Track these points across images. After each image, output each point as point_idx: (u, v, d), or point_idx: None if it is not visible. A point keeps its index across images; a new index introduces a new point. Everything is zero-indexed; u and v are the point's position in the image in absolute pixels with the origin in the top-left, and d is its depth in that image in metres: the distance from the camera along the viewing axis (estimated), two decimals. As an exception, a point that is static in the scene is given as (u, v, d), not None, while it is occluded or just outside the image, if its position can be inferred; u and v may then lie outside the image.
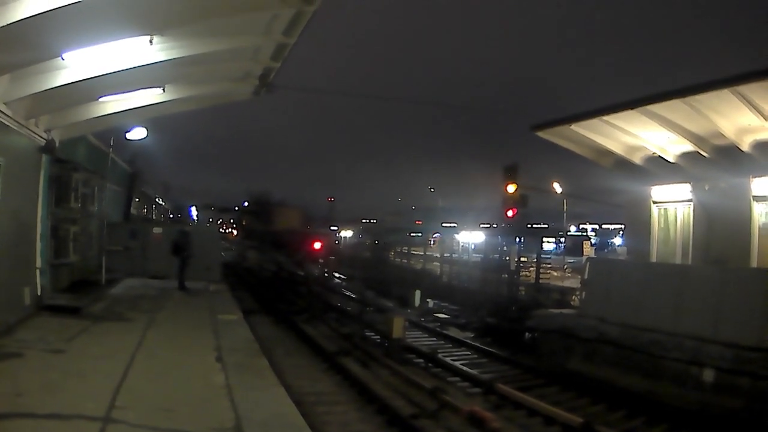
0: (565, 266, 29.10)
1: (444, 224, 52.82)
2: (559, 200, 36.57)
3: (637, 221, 18.40)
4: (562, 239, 40.50)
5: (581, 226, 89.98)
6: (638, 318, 13.04)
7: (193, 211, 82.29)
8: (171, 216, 64.17)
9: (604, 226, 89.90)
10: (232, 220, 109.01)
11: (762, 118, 12.74)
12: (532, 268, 21.92)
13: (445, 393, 10.57)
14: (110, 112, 13.18)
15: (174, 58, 9.85)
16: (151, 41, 8.69)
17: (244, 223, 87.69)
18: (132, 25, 8.24)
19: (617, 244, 63.49)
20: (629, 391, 11.65)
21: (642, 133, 15.73)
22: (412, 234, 46.41)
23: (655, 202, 17.65)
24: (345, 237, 61.78)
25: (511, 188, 17.47)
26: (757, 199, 14.43)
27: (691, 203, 16.22)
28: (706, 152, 14.69)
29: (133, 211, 31.05)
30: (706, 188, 15.63)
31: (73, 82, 9.79)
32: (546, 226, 53.18)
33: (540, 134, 18.02)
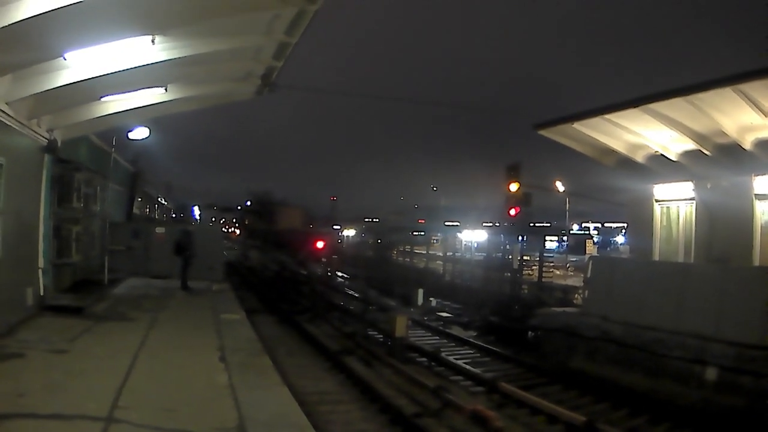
0: (568, 265, 29.13)
1: (447, 223, 52.70)
2: (561, 199, 36.57)
3: (640, 220, 18.38)
4: (565, 238, 40.41)
5: (584, 225, 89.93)
6: (641, 316, 13.04)
7: (196, 211, 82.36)
8: (173, 215, 64.24)
9: (606, 225, 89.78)
10: (234, 220, 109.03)
11: (764, 116, 12.72)
12: (534, 267, 21.92)
13: (448, 392, 10.57)
14: (112, 112, 13.18)
15: (176, 58, 9.85)
16: (153, 41, 8.68)
17: (246, 223, 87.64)
18: (134, 24, 8.24)
19: (620, 242, 63.51)
20: (632, 390, 11.66)
21: (644, 132, 15.72)
22: (414, 233, 46.38)
23: (657, 201, 17.62)
24: (347, 236, 61.76)
25: (514, 187, 17.49)
26: (760, 197, 14.40)
27: (694, 201, 16.21)
28: (708, 150, 14.67)
29: (135, 210, 31.07)
30: (709, 186, 15.61)
31: (75, 82, 9.80)
32: (549, 224, 53.10)
33: (542, 133, 18.01)
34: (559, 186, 33.68)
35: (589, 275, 16.01)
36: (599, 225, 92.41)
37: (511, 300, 19.84)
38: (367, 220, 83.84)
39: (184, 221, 56.45)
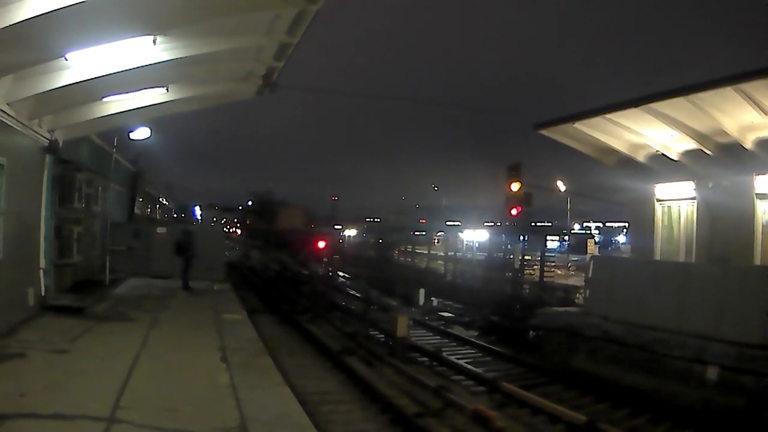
0: (569, 264, 29.16)
1: (448, 223, 52.71)
2: (562, 198, 36.64)
3: (641, 219, 18.38)
4: (566, 237, 40.45)
5: (585, 224, 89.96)
6: (642, 316, 13.04)
7: (197, 211, 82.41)
8: (174, 216, 64.26)
9: (607, 224, 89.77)
10: (235, 220, 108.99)
11: (765, 115, 12.73)
12: (536, 267, 21.92)
13: (449, 391, 10.56)
14: (113, 112, 13.18)
15: (177, 58, 9.85)
16: (154, 41, 8.69)
17: (247, 223, 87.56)
18: (135, 25, 8.24)
19: (621, 242, 63.49)
20: (633, 389, 11.64)
21: (645, 131, 15.72)
22: (416, 233, 46.39)
23: (658, 200, 17.62)
24: (349, 236, 61.76)
25: (515, 186, 17.50)
26: (761, 196, 14.40)
27: (695, 201, 16.20)
28: (709, 150, 14.67)
29: (136, 211, 31.06)
30: (710, 186, 15.61)
31: (76, 83, 9.80)
32: (550, 224, 53.14)
33: (543, 132, 18.02)
34: (561, 185, 33.74)
35: (590, 275, 16.00)
36: (600, 224, 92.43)
37: (512, 300, 19.83)
38: (368, 219, 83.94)
39: (185, 221, 56.50)
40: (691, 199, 16.35)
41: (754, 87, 11.85)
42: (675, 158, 15.95)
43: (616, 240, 69.82)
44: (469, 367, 13.65)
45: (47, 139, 12.56)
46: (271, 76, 13.39)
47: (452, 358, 14.46)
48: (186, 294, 17.21)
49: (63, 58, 8.72)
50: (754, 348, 10.57)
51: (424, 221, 67.26)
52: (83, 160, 16.64)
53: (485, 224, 39.95)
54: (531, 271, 22.34)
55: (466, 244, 34.49)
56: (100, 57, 9.04)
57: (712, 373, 10.96)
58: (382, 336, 15.96)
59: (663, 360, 11.94)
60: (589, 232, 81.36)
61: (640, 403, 10.92)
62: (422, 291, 24.39)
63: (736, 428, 9.68)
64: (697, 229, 16.14)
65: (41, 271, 12.59)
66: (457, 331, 18.85)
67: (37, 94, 10.08)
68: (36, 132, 11.79)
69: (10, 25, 6.86)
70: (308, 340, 16.09)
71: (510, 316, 18.46)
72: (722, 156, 14.58)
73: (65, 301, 13.22)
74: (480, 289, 23.32)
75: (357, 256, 41.51)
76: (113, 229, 19.47)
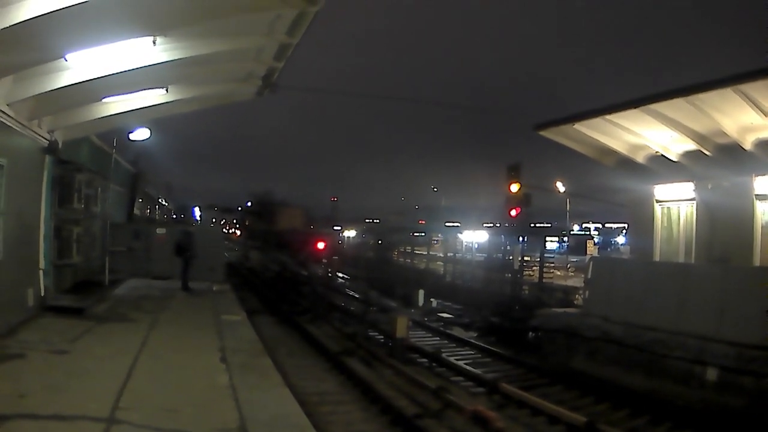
0: (569, 265, 29.11)
1: (447, 223, 52.74)
2: (562, 199, 36.62)
3: (640, 220, 18.39)
4: (565, 238, 40.41)
5: (584, 225, 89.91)
6: (641, 317, 13.05)
7: (197, 212, 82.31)
8: (174, 216, 64.16)
9: (607, 225, 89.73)
10: (235, 221, 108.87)
11: (764, 116, 12.74)
12: (535, 268, 21.92)
13: (448, 392, 10.58)
14: (113, 113, 13.17)
15: (177, 59, 9.84)
16: (154, 42, 8.69)
17: (247, 223, 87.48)
18: (135, 25, 8.24)
19: (620, 243, 63.46)
20: (632, 390, 11.65)
21: (645, 132, 15.73)
22: (415, 233, 46.40)
23: (658, 201, 17.63)
24: (348, 237, 61.75)
25: (515, 187, 17.51)
26: (760, 197, 14.41)
27: (694, 202, 16.21)
28: (708, 151, 14.68)
29: (136, 211, 31.03)
30: (709, 187, 15.61)
31: (76, 83, 9.79)
32: (549, 225, 53.12)
33: (543, 133, 18.04)
34: (560, 186, 33.72)
35: (589, 276, 16.02)
36: (600, 225, 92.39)
37: (511, 301, 19.84)
38: (367, 220, 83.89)
39: (185, 222, 56.40)
40: (691, 200, 16.36)
41: (754, 88, 11.86)
42: (674, 159, 15.96)
43: (615, 241, 69.76)
44: (469, 368, 13.67)
45: (47, 139, 12.55)
46: (271, 76, 13.39)
47: (452, 359, 14.47)
48: (185, 295, 17.20)
49: (63, 59, 8.71)
50: (753, 349, 10.57)
51: (423, 222, 67.32)
52: (83, 160, 16.63)
53: (484, 225, 39.97)
54: (530, 272, 22.34)
55: (466, 245, 34.44)
56: (100, 58, 9.03)
57: (711, 373, 10.96)
58: (382, 337, 15.99)
59: (663, 361, 11.95)
60: (588, 233, 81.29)
61: (639, 404, 10.93)
62: (421, 292, 24.40)
63: (735, 429, 9.70)
64: (696, 230, 16.15)
65: (41, 272, 12.57)
66: (457, 332, 18.86)
67: (37, 94, 10.07)
68: (36, 132, 11.78)
69: (10, 26, 6.86)
70: (308, 341, 16.08)
71: (509, 317, 18.47)
72: (722, 157, 14.59)
73: (65, 301, 13.21)
74: (479, 290, 23.34)
75: (356, 257, 41.55)
76: (113, 229, 19.45)
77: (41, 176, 12.72)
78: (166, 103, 13.44)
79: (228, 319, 13.47)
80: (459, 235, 34.72)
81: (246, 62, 12.39)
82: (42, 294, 12.53)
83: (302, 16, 9.70)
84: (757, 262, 14.20)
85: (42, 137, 12.27)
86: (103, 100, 12.42)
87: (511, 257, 22.31)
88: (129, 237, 21.25)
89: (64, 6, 6.71)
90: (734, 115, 13.13)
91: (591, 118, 15.95)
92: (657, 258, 17.28)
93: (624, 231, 64.94)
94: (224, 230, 71.50)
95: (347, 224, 69.80)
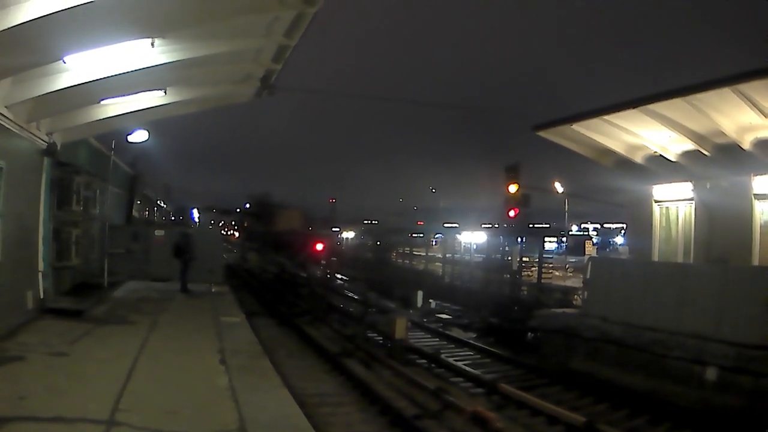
0: (567, 266, 29.11)
1: (446, 224, 52.73)
2: (560, 200, 36.53)
3: (639, 220, 18.39)
4: (564, 239, 40.38)
5: (583, 226, 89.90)
6: (640, 317, 13.04)
7: (195, 214, 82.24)
8: (173, 218, 64.13)
9: (605, 226, 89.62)
10: (234, 222, 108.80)
11: (763, 116, 12.74)
12: (534, 268, 21.93)
13: (448, 393, 10.57)
14: (112, 115, 13.18)
15: (175, 61, 9.86)
16: (152, 44, 8.70)
17: (245, 225, 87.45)
18: (133, 27, 8.25)
19: (619, 243, 63.44)
20: (632, 390, 11.66)
21: (643, 132, 15.74)
22: (414, 235, 46.41)
23: (656, 201, 17.63)
24: (347, 238, 61.76)
25: (513, 188, 17.51)
26: (759, 197, 14.41)
27: (693, 202, 16.21)
28: (707, 151, 14.69)
29: (134, 213, 31.03)
30: (708, 187, 15.62)
31: (74, 85, 9.80)
32: (548, 225, 53.09)
33: (541, 134, 18.03)
34: (558, 187, 33.68)
35: (588, 276, 16.01)
36: (598, 226, 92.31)
37: (510, 301, 19.85)
38: (366, 222, 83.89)
39: (184, 224, 56.41)
40: (689, 200, 16.35)
41: (753, 88, 11.86)
42: (673, 159, 15.96)
43: (614, 241, 69.69)
44: (468, 368, 13.68)
45: (45, 141, 12.55)
46: (270, 78, 13.40)
47: (451, 359, 14.48)
48: (184, 297, 17.20)
49: (61, 61, 8.73)
50: (753, 348, 10.57)
51: (422, 223, 67.35)
52: (81, 162, 16.63)
53: (483, 226, 39.94)
54: (529, 272, 22.35)
55: (464, 246, 34.42)
56: (99, 60, 9.06)
57: (711, 373, 10.96)
58: (381, 338, 15.97)
59: (662, 361, 11.94)
60: (587, 233, 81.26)
61: (639, 404, 10.94)
62: (420, 293, 24.39)
63: (735, 429, 9.70)
64: (695, 229, 16.14)
65: (40, 274, 12.57)
66: (456, 333, 18.87)
67: (36, 96, 10.08)
68: (34, 135, 11.79)
69: (8, 28, 6.87)
70: (307, 342, 16.08)
71: (508, 317, 18.48)
72: (720, 157, 14.59)
73: (64, 303, 13.20)
74: (478, 290, 23.35)
75: (355, 259, 41.55)
76: (111, 231, 19.46)
77: (40, 178, 12.72)
78: (165, 104, 13.45)
79: (227, 321, 13.46)
80: (457, 236, 34.71)
81: (244, 64, 12.40)
82: (41, 296, 12.53)
83: (300, 17, 9.72)
84: (755, 261, 14.20)
85: (40, 139, 12.27)
86: (102, 102, 12.43)
87: (509, 258, 22.32)
88: (128, 239, 21.25)
89: (62, 8, 6.72)
90: (733, 114, 13.14)
91: (589, 118, 15.95)
92: (656, 258, 17.28)
93: (622, 231, 64.85)
94: (223, 232, 71.44)
95: (346, 225, 69.83)
